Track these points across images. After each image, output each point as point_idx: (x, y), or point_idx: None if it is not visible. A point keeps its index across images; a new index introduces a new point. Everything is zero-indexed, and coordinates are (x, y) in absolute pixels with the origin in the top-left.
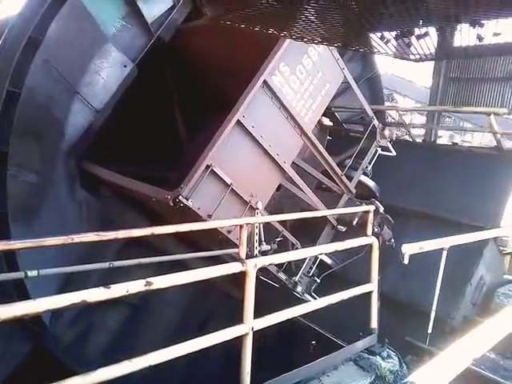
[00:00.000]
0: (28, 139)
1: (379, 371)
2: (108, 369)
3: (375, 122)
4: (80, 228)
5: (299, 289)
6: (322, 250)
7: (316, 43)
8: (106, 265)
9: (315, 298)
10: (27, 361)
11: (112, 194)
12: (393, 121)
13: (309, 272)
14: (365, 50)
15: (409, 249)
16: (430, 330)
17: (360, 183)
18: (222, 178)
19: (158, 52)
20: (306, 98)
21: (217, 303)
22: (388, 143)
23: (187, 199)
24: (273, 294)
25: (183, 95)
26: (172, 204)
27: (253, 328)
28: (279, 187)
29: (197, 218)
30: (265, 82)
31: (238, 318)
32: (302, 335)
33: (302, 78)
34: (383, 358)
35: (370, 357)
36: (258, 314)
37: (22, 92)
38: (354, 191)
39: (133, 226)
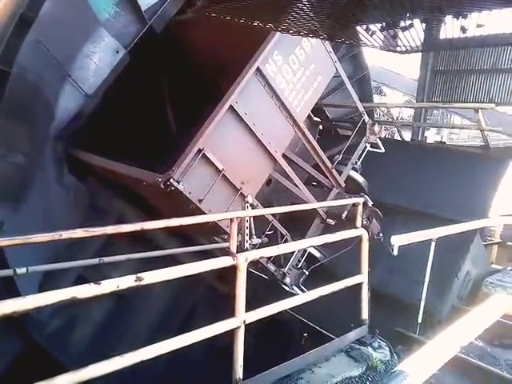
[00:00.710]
0: (17, 120)
1: (370, 361)
2: (99, 365)
3: (365, 117)
4: (66, 213)
5: (288, 280)
6: (313, 242)
7: (302, 35)
8: (95, 261)
9: (303, 291)
10: (19, 358)
11: (100, 180)
12: (382, 118)
13: (297, 264)
14: (351, 42)
15: (398, 240)
16: (420, 320)
17: (349, 178)
18: (213, 163)
19: (150, 41)
20: (298, 88)
21: (201, 296)
22: (377, 139)
23: (178, 182)
24: (260, 287)
25: (174, 88)
26: (163, 187)
27: (245, 321)
28: (269, 181)
29: (187, 203)
30: (258, 69)
31: (222, 311)
32: (291, 328)
33: (294, 68)
34: (374, 349)
35: (361, 347)
36: (247, 306)
37: (12, 70)
38: (343, 185)
39: (120, 214)
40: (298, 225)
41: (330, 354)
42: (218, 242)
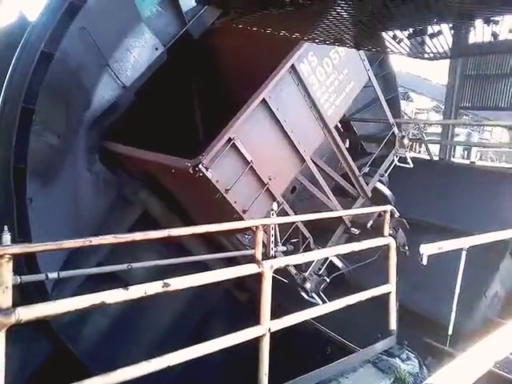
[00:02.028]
0: (55, 102)
1: (398, 373)
2: (126, 369)
3: (395, 129)
4: (93, 200)
5: (308, 285)
6: (339, 250)
7: (328, 44)
8: (124, 266)
9: (323, 299)
10: (49, 361)
11: (127, 172)
12: (411, 135)
13: (318, 271)
14: (377, 49)
15: (427, 249)
16: (450, 332)
17: (376, 190)
18: (242, 154)
19: (186, 44)
20: (330, 91)
21: (218, 301)
22: (406, 153)
23: (207, 169)
24: (277, 294)
25: (203, 90)
26: (192, 172)
27: (269, 329)
28: (294, 189)
29: (213, 192)
30: (293, 66)
31: (238, 318)
32: (315, 338)
33: (328, 71)
34: (402, 360)
35: (389, 359)
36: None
37: (56, 54)
38: (369, 195)
39: (144, 205)
40: (320, 233)
41: (356, 364)
42: (241, 241)
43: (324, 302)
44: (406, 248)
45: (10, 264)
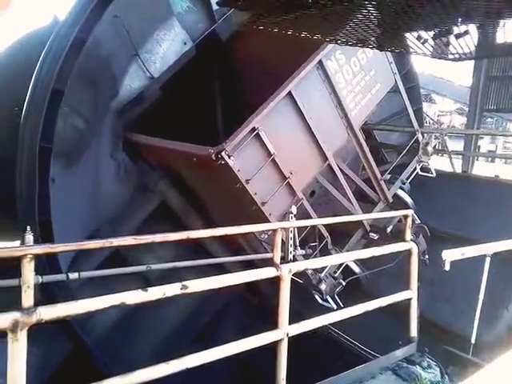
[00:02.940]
0: (84, 86)
1: (419, 381)
2: (145, 370)
3: (419, 135)
4: (114, 187)
5: (323, 287)
6: (359, 255)
7: (350, 45)
8: (143, 268)
9: (337, 303)
10: (69, 359)
11: (149, 163)
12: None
13: (334, 273)
14: (400, 50)
15: (450, 255)
16: (473, 340)
17: (396, 197)
18: (265, 145)
19: (213, 42)
20: (356, 91)
21: (228, 303)
22: (429, 162)
23: (229, 157)
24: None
25: (225, 89)
26: (214, 158)
27: (288, 334)
28: (313, 193)
29: (233, 181)
30: (320, 62)
31: (248, 321)
32: (329, 343)
33: (355, 70)
34: (423, 368)
35: (410, 366)
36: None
37: (88, 40)
38: (390, 200)
39: (163, 196)
40: (337, 238)
41: (376, 371)
42: (257, 237)
43: (338, 306)
44: (427, 256)
45: (32, 264)
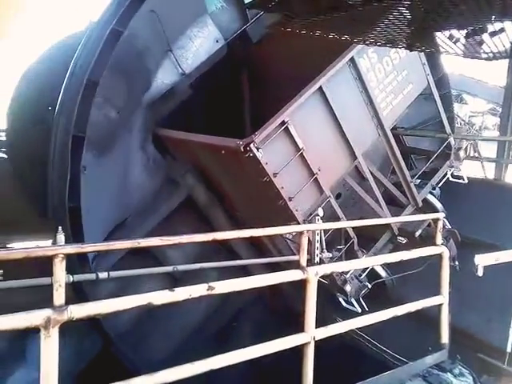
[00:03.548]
0: (118, 78)
1: None
2: (171, 370)
3: (451, 139)
4: (143, 178)
5: (348, 288)
6: (387, 259)
7: (379, 45)
8: (169, 268)
9: (362, 306)
10: (99, 357)
11: (177, 158)
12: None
13: (359, 276)
14: (430, 50)
15: (483, 260)
16: (509, 349)
17: (426, 202)
18: (294, 140)
19: (244, 42)
20: (388, 91)
21: (248, 304)
22: (460, 168)
23: (257, 149)
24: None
25: (254, 88)
26: (242, 150)
27: (314, 337)
28: (339, 195)
29: (261, 175)
30: (352, 59)
31: (267, 324)
32: (360, 349)
33: (387, 69)
34: (455, 376)
35: (440, 373)
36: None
37: (124, 33)
38: (420, 204)
39: (190, 190)
40: (363, 242)
41: (405, 378)
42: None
43: (363, 309)
44: (457, 262)
45: (63, 263)
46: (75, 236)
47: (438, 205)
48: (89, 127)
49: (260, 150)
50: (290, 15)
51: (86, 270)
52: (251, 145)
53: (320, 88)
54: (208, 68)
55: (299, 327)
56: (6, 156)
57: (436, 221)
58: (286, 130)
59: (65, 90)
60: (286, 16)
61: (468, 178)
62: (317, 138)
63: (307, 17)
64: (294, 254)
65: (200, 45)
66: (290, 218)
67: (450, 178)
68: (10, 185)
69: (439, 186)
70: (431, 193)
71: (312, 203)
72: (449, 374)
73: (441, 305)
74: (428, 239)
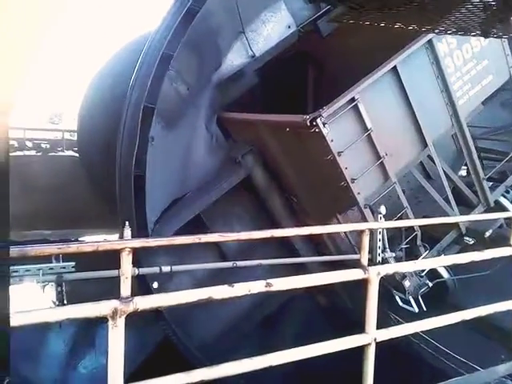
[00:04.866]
0: (191, 55)
1: None
2: (230, 364)
3: None
4: (205, 155)
5: (407, 284)
6: (456, 259)
7: (450, 34)
8: (229, 264)
9: (420, 307)
10: (159, 350)
11: (238, 138)
12: None
13: (420, 272)
14: (508, 35)
15: None
16: None
17: (498, 205)
18: (363, 119)
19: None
20: (465, 80)
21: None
22: None
23: (324, 125)
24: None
25: (319, 78)
26: (309, 124)
27: (375, 339)
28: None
29: (324, 153)
30: (430, 42)
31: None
32: (418, 353)
33: (466, 57)
34: None
35: None
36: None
37: (200, 10)
38: (491, 204)
39: (249, 170)
40: (425, 240)
41: None
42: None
43: (421, 309)
44: None
45: (130, 257)
46: (137, 204)
47: (511, 208)
48: (160, 99)
49: (326, 125)
50: (355, 7)
51: (145, 234)
52: (318, 119)
53: (394, 68)
54: (278, 53)
55: (353, 327)
56: (77, 155)
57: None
58: (355, 107)
59: (140, 65)
60: (351, 8)
61: None
62: (386, 120)
63: (373, 10)
64: (354, 251)
65: (272, 29)
66: (351, 203)
67: None
68: (82, 183)
69: None
70: (504, 196)
71: (375, 188)
72: None
73: None
74: (498, 241)
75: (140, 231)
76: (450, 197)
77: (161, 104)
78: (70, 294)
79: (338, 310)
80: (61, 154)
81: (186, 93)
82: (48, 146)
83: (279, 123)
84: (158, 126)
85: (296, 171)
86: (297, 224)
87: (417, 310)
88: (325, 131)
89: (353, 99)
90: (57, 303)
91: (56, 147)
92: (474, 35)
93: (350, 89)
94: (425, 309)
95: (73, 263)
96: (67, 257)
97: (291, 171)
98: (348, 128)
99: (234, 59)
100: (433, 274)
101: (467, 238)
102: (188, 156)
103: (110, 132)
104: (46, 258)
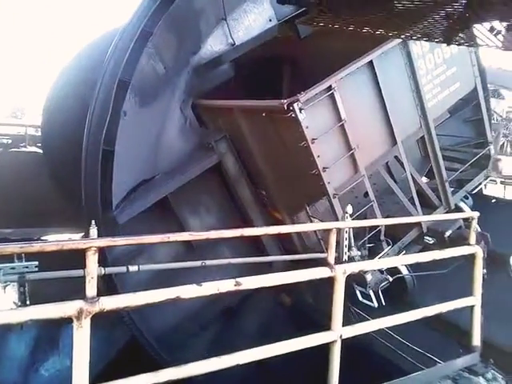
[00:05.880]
0: (171, 34)
1: None
2: (198, 364)
3: (491, 148)
4: (178, 138)
5: (369, 278)
6: (419, 258)
7: (415, 39)
8: (198, 263)
9: (380, 301)
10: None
11: (211, 124)
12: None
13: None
14: (469, 43)
15: None
16: None
17: (458, 209)
18: (337, 109)
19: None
20: (435, 83)
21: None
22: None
23: (300, 110)
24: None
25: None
26: (285, 109)
27: (341, 336)
28: (367, 193)
29: (298, 139)
30: (405, 42)
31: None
32: (384, 348)
33: (437, 61)
34: (487, 380)
35: (472, 377)
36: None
37: None
38: (452, 206)
39: (221, 156)
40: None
41: (434, 379)
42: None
43: (380, 304)
44: (485, 271)
45: (96, 256)
46: (103, 180)
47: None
48: (135, 75)
49: (303, 111)
50: (324, 11)
51: (109, 214)
52: (295, 104)
53: (371, 62)
54: (256, 45)
55: (315, 326)
56: (41, 151)
57: (470, 220)
58: (332, 96)
59: (117, 41)
60: (321, 11)
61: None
62: (360, 112)
63: (343, 13)
64: (320, 246)
65: (253, 20)
66: (321, 192)
67: (483, 192)
68: (45, 180)
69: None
70: (463, 201)
71: (345, 179)
72: (481, 377)
73: (473, 306)
74: (457, 241)
75: (104, 208)
76: (415, 198)
77: (136, 80)
78: (32, 294)
79: (300, 307)
80: (23, 149)
81: (163, 72)
82: (10, 141)
83: (255, 108)
84: (132, 101)
85: (268, 160)
86: (265, 215)
87: (376, 304)
88: (301, 117)
89: (330, 87)
90: (19, 304)
91: (18, 143)
92: (437, 42)
93: (328, 77)
94: (383, 303)
95: (36, 263)
96: (30, 256)
97: (263, 161)
98: (323, 116)
99: (214, 45)
100: (393, 270)
101: (428, 238)
102: (160, 137)
103: (78, 127)
104: (8, 258)
